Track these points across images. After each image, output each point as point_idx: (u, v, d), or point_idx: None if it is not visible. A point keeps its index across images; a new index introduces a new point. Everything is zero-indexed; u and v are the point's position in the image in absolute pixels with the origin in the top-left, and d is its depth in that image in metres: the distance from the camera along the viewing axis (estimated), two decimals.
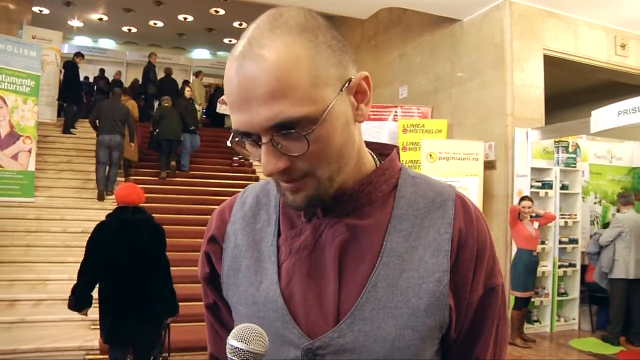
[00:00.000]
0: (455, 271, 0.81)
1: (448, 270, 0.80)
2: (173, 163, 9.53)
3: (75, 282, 3.72)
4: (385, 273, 0.80)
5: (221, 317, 0.97)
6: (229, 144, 0.80)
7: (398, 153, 0.92)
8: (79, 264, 3.63)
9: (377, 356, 0.77)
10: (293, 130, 0.71)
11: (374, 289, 0.79)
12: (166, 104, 9.71)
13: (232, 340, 0.71)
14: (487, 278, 0.85)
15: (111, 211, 3.91)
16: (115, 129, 8.29)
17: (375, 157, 0.90)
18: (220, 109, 11.20)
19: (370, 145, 0.91)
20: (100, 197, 8.30)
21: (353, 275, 0.81)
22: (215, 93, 13.32)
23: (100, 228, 3.72)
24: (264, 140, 0.73)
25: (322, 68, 0.73)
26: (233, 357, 0.70)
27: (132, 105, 9.84)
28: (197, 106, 11.58)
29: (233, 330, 0.72)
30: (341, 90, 0.75)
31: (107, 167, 8.38)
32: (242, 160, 10.35)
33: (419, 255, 0.81)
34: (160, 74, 12.70)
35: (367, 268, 0.80)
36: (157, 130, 9.39)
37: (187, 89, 10.63)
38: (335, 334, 0.78)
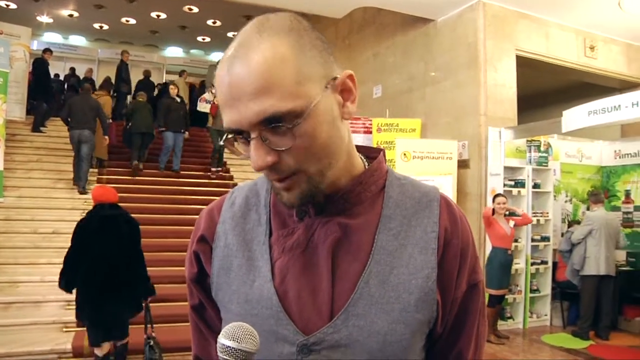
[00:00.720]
0: (442, 268, 0.85)
1: (435, 266, 0.84)
2: (135, 162, 9.42)
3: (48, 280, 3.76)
4: (377, 270, 0.83)
5: (206, 318, 0.98)
6: (221, 143, 0.83)
7: (384, 156, 0.95)
8: (50, 264, 3.73)
9: (371, 350, 0.80)
10: (280, 124, 0.74)
11: (367, 286, 0.82)
12: (140, 99, 9.83)
13: (223, 339, 0.71)
14: (470, 275, 0.89)
15: (90, 209, 4.32)
16: (85, 124, 8.27)
17: (363, 159, 0.93)
18: (201, 106, 11.18)
19: (357, 148, 0.94)
20: (76, 184, 8.43)
21: (346, 272, 0.83)
22: (191, 92, 13.23)
23: (82, 225, 4.13)
24: (253, 135, 0.76)
25: (307, 66, 0.76)
26: (224, 356, 0.70)
27: (105, 101, 9.77)
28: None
29: (224, 329, 0.72)
30: (326, 87, 0.78)
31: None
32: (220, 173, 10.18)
33: (408, 252, 0.85)
34: (134, 72, 12.65)
35: (359, 265, 0.83)
36: (129, 124, 9.45)
37: (171, 86, 10.29)
38: (330, 329, 0.80)
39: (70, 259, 4.02)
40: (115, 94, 12.32)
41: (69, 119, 8.35)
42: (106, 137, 8.95)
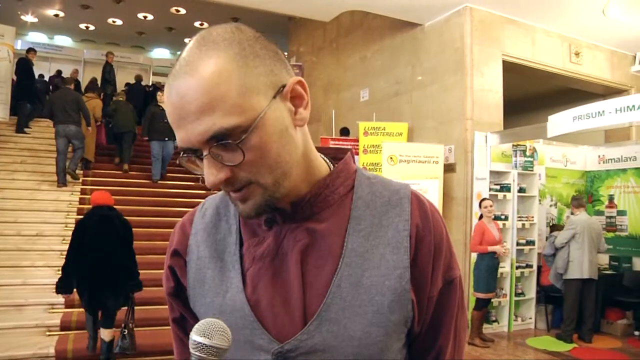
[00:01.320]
0: (415, 266, 0.84)
1: (408, 266, 0.83)
2: (126, 167, 9.58)
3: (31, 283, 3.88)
4: (348, 273, 0.82)
5: (188, 330, 0.97)
6: (178, 162, 0.83)
7: (352, 156, 0.94)
8: (33, 267, 3.96)
9: (346, 354, 0.80)
10: (229, 141, 0.73)
11: (338, 290, 0.81)
12: (120, 98, 10.04)
13: (195, 336, 0.71)
14: (446, 271, 0.88)
15: (89, 209, 4.96)
16: (68, 119, 8.33)
17: (328, 161, 0.92)
18: None
19: (324, 150, 0.94)
20: (62, 184, 8.44)
21: (316, 277, 0.83)
22: None
23: (82, 223, 4.72)
24: (204, 153, 0.76)
25: (251, 78, 0.75)
26: (196, 353, 0.70)
27: (95, 104, 9.80)
28: None
29: (196, 326, 0.72)
30: (274, 97, 0.77)
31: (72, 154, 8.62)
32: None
33: (379, 253, 0.84)
34: (120, 73, 12.66)
35: (330, 270, 0.83)
36: (111, 124, 9.69)
37: (159, 93, 9.79)
38: (304, 336, 0.80)
39: (70, 255, 4.55)
40: (102, 95, 12.30)
41: (52, 115, 8.43)
42: (89, 128, 8.93)
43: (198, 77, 0.72)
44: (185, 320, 0.97)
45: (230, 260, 0.88)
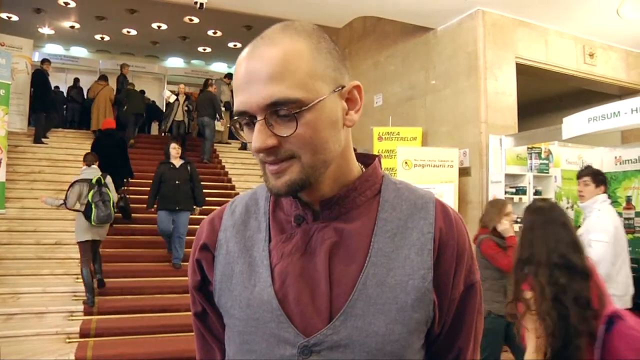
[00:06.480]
0: (438, 269, 0.88)
1: (431, 267, 0.87)
2: (132, 141, 11.06)
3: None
4: (374, 272, 0.86)
5: (209, 324, 1.01)
6: (229, 125, 0.89)
7: (380, 162, 0.98)
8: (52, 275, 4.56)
9: (370, 350, 0.82)
10: (285, 109, 0.79)
11: (364, 287, 0.85)
12: (131, 88, 12.01)
13: None
14: (467, 275, 0.92)
15: (101, 131, 8.81)
16: (203, 113, 10.56)
17: (361, 166, 0.97)
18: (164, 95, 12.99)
19: (355, 156, 0.97)
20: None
21: (343, 275, 0.86)
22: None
23: (96, 138, 8.34)
24: (258, 118, 0.81)
25: (320, 66, 0.82)
26: None
27: (110, 90, 11.29)
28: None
29: None
30: (334, 91, 0.84)
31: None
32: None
33: (404, 254, 0.88)
34: (135, 83, 13.04)
35: (357, 268, 0.86)
36: (125, 107, 11.32)
37: (173, 145, 7.25)
38: (330, 330, 0.83)
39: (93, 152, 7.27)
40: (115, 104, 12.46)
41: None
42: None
43: (276, 49, 0.80)
44: (206, 314, 1.00)
45: (259, 256, 0.91)
